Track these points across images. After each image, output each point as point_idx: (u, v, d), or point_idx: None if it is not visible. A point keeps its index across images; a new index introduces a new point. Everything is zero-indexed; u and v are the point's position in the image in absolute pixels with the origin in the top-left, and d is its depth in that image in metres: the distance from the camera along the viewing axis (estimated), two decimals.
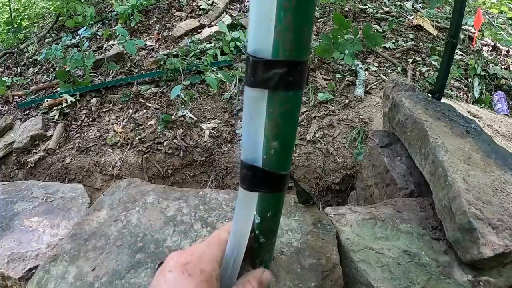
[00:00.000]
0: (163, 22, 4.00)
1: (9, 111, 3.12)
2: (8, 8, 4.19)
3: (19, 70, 3.76)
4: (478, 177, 1.15)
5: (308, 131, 2.71)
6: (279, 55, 0.37)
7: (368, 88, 3.01)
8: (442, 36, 3.75)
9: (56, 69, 3.49)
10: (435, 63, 3.31)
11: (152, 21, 4.03)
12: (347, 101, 2.91)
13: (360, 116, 2.76)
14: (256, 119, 0.42)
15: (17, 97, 3.27)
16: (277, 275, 1.00)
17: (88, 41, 3.64)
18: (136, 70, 3.38)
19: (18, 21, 4.24)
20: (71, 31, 4.08)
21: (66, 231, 1.24)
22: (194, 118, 2.83)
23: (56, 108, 2.98)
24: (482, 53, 3.50)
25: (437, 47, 3.48)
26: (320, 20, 3.91)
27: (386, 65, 3.34)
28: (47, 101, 3.02)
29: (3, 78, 3.46)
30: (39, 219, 1.29)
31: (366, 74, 3.14)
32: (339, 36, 2.81)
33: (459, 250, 1.06)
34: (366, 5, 4.16)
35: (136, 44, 3.29)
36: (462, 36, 3.63)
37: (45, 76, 3.56)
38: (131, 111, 2.94)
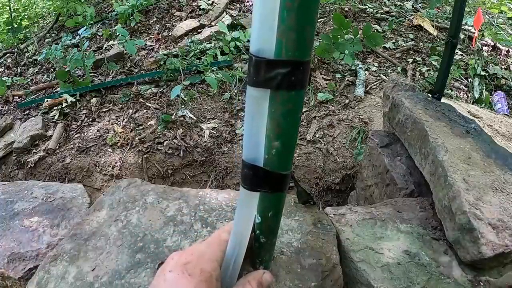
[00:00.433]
0: (163, 22, 4.00)
1: (9, 111, 3.12)
2: (8, 8, 4.19)
3: (19, 70, 3.76)
4: (478, 177, 1.15)
5: (308, 131, 2.71)
6: (281, 55, 0.37)
7: (368, 88, 3.01)
8: (442, 36, 3.75)
9: (56, 69, 3.49)
10: (435, 63, 3.31)
11: (152, 21, 4.03)
12: (347, 101, 2.91)
13: (360, 116, 2.76)
14: (258, 118, 0.42)
15: (17, 97, 3.27)
16: (277, 275, 1.00)
17: (88, 41, 3.64)
18: (136, 70, 3.38)
19: (18, 21, 4.24)
20: (71, 31, 4.08)
21: (66, 231, 1.24)
22: (194, 118, 2.83)
23: (56, 108, 2.98)
24: (482, 53, 3.50)
25: (437, 47, 3.48)
26: (320, 20, 3.91)
27: (386, 65, 3.34)
28: (47, 101, 3.02)
29: (3, 78, 3.46)
30: (39, 219, 1.29)
31: (366, 74, 3.14)
32: (339, 36, 2.81)
33: (459, 250, 1.06)
34: (366, 5, 4.16)
35: (136, 44, 3.29)
36: (462, 36, 3.63)
37: (45, 76, 3.56)
38: (131, 111, 2.94)
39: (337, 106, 2.88)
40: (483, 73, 3.24)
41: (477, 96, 3.07)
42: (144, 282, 0.98)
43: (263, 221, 0.50)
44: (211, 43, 3.53)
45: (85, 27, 3.55)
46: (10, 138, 2.82)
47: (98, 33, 3.94)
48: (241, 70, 3.16)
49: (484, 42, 3.66)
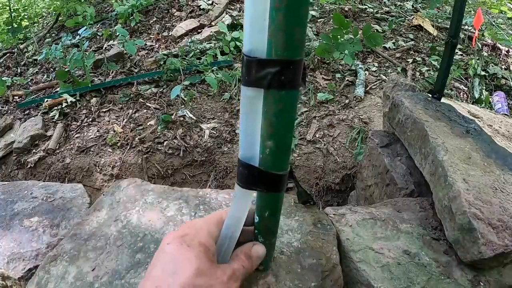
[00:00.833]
0: (163, 22, 4.00)
1: (9, 111, 3.12)
2: (8, 8, 4.19)
3: (19, 70, 3.76)
4: (478, 177, 1.16)
5: (308, 131, 2.71)
6: (272, 55, 0.38)
7: (368, 88, 3.01)
8: (442, 36, 3.74)
9: (56, 69, 3.49)
10: (435, 63, 3.31)
11: (152, 21, 4.03)
12: (347, 101, 2.91)
13: (360, 116, 2.76)
14: (252, 118, 0.42)
15: (17, 97, 3.27)
16: (277, 275, 1.00)
17: (88, 41, 3.64)
18: (136, 70, 3.38)
19: (18, 21, 4.23)
20: (71, 31, 4.08)
21: (66, 231, 1.24)
22: (194, 118, 2.83)
23: (56, 108, 2.98)
24: (482, 53, 3.50)
25: (437, 47, 3.48)
26: (320, 20, 3.91)
27: (386, 65, 3.34)
28: (47, 101, 3.02)
29: (3, 78, 3.45)
30: (39, 219, 1.29)
31: (366, 74, 3.14)
32: (339, 36, 2.81)
33: (459, 250, 1.06)
34: (366, 5, 4.16)
35: (136, 44, 3.29)
36: (462, 36, 3.63)
37: (45, 76, 3.56)
38: (131, 111, 2.94)
39: (337, 106, 2.88)
40: (483, 73, 3.24)
41: (477, 96, 3.07)
42: None
43: (260, 220, 0.50)
44: (211, 43, 3.53)
45: (85, 27, 3.55)
46: (10, 138, 2.82)
47: (98, 33, 3.94)
48: (241, 70, 3.16)
49: (484, 42, 3.66)
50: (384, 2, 4.34)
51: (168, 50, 3.51)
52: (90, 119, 2.90)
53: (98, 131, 2.80)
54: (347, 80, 3.07)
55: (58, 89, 3.22)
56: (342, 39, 2.83)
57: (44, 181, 1.62)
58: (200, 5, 4.10)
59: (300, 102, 2.95)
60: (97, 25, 4.09)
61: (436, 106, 1.53)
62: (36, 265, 1.13)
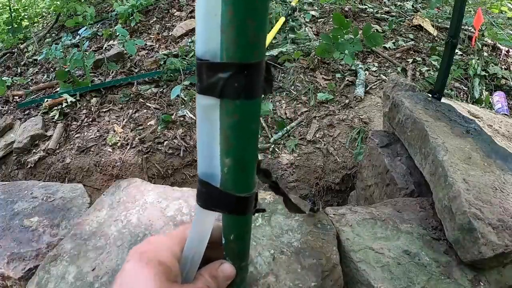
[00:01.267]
0: (163, 22, 4.00)
1: (9, 111, 3.12)
2: (8, 8, 4.19)
3: (19, 70, 3.76)
4: (478, 177, 1.16)
5: (308, 131, 2.71)
6: (223, 57, 0.32)
7: (368, 88, 3.01)
8: (442, 36, 3.75)
9: (56, 69, 3.49)
10: (435, 63, 3.31)
11: (152, 21, 4.03)
12: (347, 101, 2.91)
13: (360, 116, 2.76)
14: (209, 130, 0.37)
15: (17, 97, 3.27)
16: (277, 275, 1.00)
17: (88, 41, 3.64)
18: (136, 70, 3.38)
19: (18, 21, 4.24)
20: (71, 31, 4.08)
21: (66, 231, 1.24)
22: (194, 118, 2.83)
23: (56, 108, 2.98)
24: (482, 53, 3.50)
25: (437, 47, 3.48)
26: (320, 20, 3.91)
27: (386, 65, 3.34)
28: (47, 101, 3.02)
29: (3, 78, 3.45)
30: (39, 219, 1.29)
31: (366, 74, 3.14)
32: (339, 36, 2.81)
33: (459, 250, 1.06)
34: (366, 5, 4.16)
35: (136, 44, 3.29)
36: (462, 36, 3.63)
37: (45, 76, 3.56)
38: (131, 111, 2.94)
39: (337, 106, 2.88)
40: (483, 73, 3.24)
41: (477, 96, 3.07)
42: None
43: (226, 243, 0.45)
44: None
45: (85, 27, 3.55)
46: (10, 138, 2.82)
47: (98, 33, 3.94)
48: None
49: (484, 42, 3.66)
50: (384, 2, 4.34)
51: (168, 50, 3.51)
52: (90, 119, 2.90)
53: (98, 131, 2.80)
54: (347, 80, 3.07)
55: (58, 89, 3.22)
56: (342, 39, 2.83)
57: (44, 181, 1.62)
58: None
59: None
60: (97, 25, 4.09)
61: (436, 106, 1.53)
62: (36, 265, 1.13)
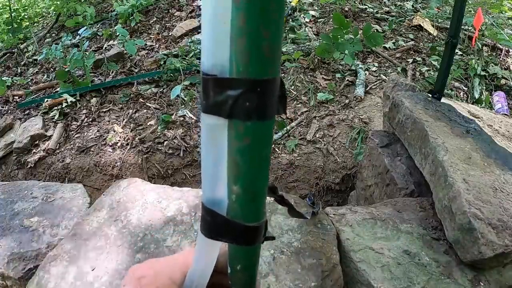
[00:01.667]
0: (163, 22, 4.00)
1: (9, 111, 3.12)
2: (8, 8, 4.19)
3: (19, 70, 3.76)
4: (478, 177, 1.15)
5: (308, 131, 2.71)
6: (233, 72, 0.29)
7: (368, 88, 3.01)
8: (442, 36, 3.75)
9: (56, 69, 3.49)
10: (435, 63, 3.31)
11: (152, 21, 4.03)
12: (347, 101, 2.91)
13: (360, 116, 2.76)
14: (216, 153, 0.34)
15: (17, 97, 3.27)
16: (277, 275, 1.01)
17: (88, 41, 3.64)
18: (136, 70, 3.39)
19: (18, 21, 4.24)
20: (71, 31, 4.08)
21: (66, 231, 1.24)
22: (194, 118, 2.83)
23: (56, 108, 2.98)
24: (482, 53, 3.50)
25: (437, 47, 3.48)
26: (320, 20, 3.91)
27: (386, 65, 3.34)
28: (47, 101, 3.02)
29: (3, 78, 3.46)
30: (39, 219, 1.29)
31: (366, 74, 3.14)
32: (339, 36, 2.82)
33: (459, 250, 1.06)
34: (366, 5, 4.16)
35: (136, 44, 3.29)
36: (462, 36, 3.63)
37: (45, 76, 3.57)
38: (131, 111, 2.94)
39: (337, 106, 2.88)
40: (483, 73, 3.24)
41: (477, 96, 3.07)
42: None
43: (232, 272, 0.42)
44: None
45: (85, 27, 3.55)
46: (10, 138, 2.82)
47: (98, 33, 3.94)
48: None
49: (484, 42, 3.66)
50: (384, 2, 4.34)
51: (168, 50, 3.51)
52: (90, 119, 2.90)
53: (98, 131, 2.81)
54: (347, 80, 3.07)
55: (58, 89, 3.22)
56: (342, 39, 2.83)
57: (44, 181, 1.62)
58: (200, 5, 4.10)
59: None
60: (97, 25, 4.09)
61: (436, 106, 1.53)
62: (36, 265, 1.13)
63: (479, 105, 2.71)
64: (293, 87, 3.04)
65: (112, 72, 3.36)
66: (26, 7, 4.93)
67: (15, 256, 1.16)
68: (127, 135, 2.72)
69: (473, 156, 1.25)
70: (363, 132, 2.62)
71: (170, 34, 3.78)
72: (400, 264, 1.07)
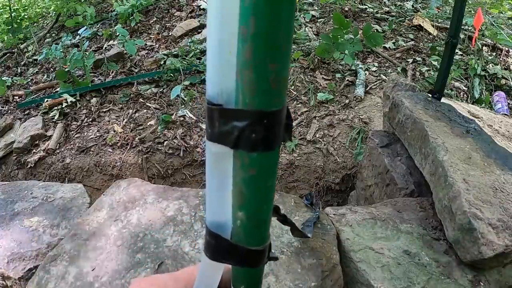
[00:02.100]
0: (163, 22, 4.00)
1: (9, 111, 3.12)
2: (8, 8, 4.19)
3: (19, 70, 3.76)
4: (478, 177, 1.15)
5: (308, 131, 2.71)
6: (239, 103, 0.28)
7: (368, 88, 3.01)
8: (442, 36, 3.75)
9: (56, 69, 3.49)
10: (435, 63, 3.31)
11: (152, 21, 4.03)
12: (347, 101, 2.91)
13: (360, 116, 2.76)
14: (221, 179, 0.34)
15: (17, 97, 3.27)
16: (277, 275, 1.01)
17: (88, 41, 3.64)
18: (136, 70, 3.39)
19: (18, 21, 4.24)
20: (71, 31, 4.08)
21: (66, 231, 1.24)
22: (194, 118, 2.83)
23: (56, 108, 2.98)
24: (482, 53, 3.50)
25: (437, 47, 3.48)
26: (320, 20, 3.91)
27: (386, 65, 3.34)
28: (47, 101, 3.02)
29: (3, 78, 3.46)
30: (39, 219, 1.29)
31: (366, 74, 3.14)
32: (339, 36, 2.82)
33: (459, 250, 1.06)
34: (366, 5, 4.16)
35: (136, 44, 3.29)
36: (462, 36, 3.63)
37: (45, 76, 3.57)
38: (131, 111, 2.94)
39: (337, 106, 2.88)
40: (483, 73, 3.24)
41: (477, 96, 3.07)
42: None
43: None
44: None
45: (85, 27, 3.55)
46: (10, 138, 2.82)
47: (98, 33, 3.94)
48: None
49: (484, 42, 3.66)
50: (384, 2, 4.34)
51: (168, 50, 3.51)
52: (90, 119, 2.90)
53: (98, 131, 2.81)
54: (347, 80, 3.07)
55: (58, 89, 3.22)
56: (342, 39, 2.83)
57: (44, 181, 1.62)
58: (200, 5, 4.10)
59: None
60: (97, 25, 4.09)
61: (436, 106, 1.53)
62: (36, 265, 1.13)
63: (479, 105, 2.71)
64: (293, 87, 3.04)
65: (112, 72, 3.37)
66: (26, 7, 4.93)
67: (15, 256, 1.16)
68: (127, 135, 2.72)
69: (473, 156, 1.25)
70: (363, 132, 2.62)
71: (170, 34, 3.78)
72: (400, 264, 1.07)
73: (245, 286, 0.41)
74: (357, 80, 3.03)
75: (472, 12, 3.93)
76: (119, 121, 2.87)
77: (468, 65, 3.30)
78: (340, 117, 2.78)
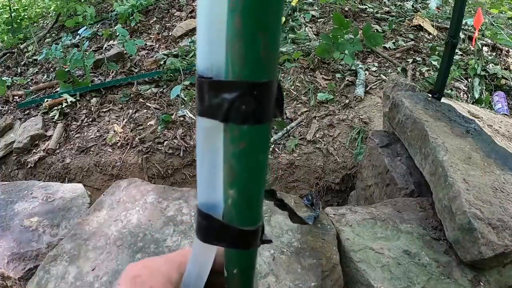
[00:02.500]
0: (163, 22, 4.00)
1: (9, 111, 3.12)
2: (8, 8, 4.19)
3: (19, 70, 3.76)
4: (478, 177, 1.15)
5: (308, 131, 2.71)
6: (229, 75, 0.28)
7: (368, 88, 3.01)
8: (442, 36, 3.75)
9: (56, 69, 3.49)
10: (435, 63, 3.31)
11: (152, 21, 4.03)
12: (347, 101, 2.91)
13: (360, 116, 2.76)
14: (211, 156, 0.33)
15: (17, 97, 3.27)
16: (277, 275, 1.01)
17: (88, 41, 3.64)
18: (136, 70, 3.39)
19: (18, 21, 4.24)
20: (71, 31, 4.08)
21: (66, 231, 1.24)
22: (194, 118, 2.83)
23: (56, 108, 2.98)
24: (482, 53, 3.50)
25: (437, 47, 3.48)
26: (320, 20, 3.91)
27: (386, 65, 3.34)
28: (47, 101, 3.02)
29: (3, 78, 3.46)
30: (39, 219, 1.29)
31: (366, 74, 3.14)
32: (339, 36, 2.82)
33: (459, 250, 1.06)
34: (366, 5, 4.16)
35: (136, 44, 3.29)
36: (462, 36, 3.63)
37: (45, 76, 3.57)
38: (131, 111, 2.94)
39: (337, 106, 2.88)
40: (483, 73, 3.24)
41: (477, 96, 3.07)
42: None
43: (229, 276, 0.42)
44: None
45: (85, 27, 3.55)
46: (10, 138, 2.82)
47: (98, 33, 3.94)
48: None
49: (484, 42, 3.66)
50: (384, 2, 4.34)
51: (168, 50, 3.51)
52: (90, 119, 2.90)
53: (98, 131, 2.81)
54: (347, 80, 3.07)
55: (58, 89, 3.22)
56: (342, 39, 2.83)
57: (44, 181, 1.62)
58: None
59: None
60: (97, 25, 4.09)
61: (436, 106, 1.53)
62: (36, 265, 1.13)
63: (479, 105, 2.71)
64: (293, 87, 3.04)
65: (112, 72, 3.37)
66: (26, 7, 4.93)
67: (15, 256, 1.16)
68: (127, 135, 2.72)
69: (473, 156, 1.25)
70: (363, 132, 2.62)
71: (170, 34, 3.78)
72: (400, 264, 1.07)
73: (238, 270, 0.40)
74: (357, 80, 3.03)
75: (472, 12, 3.93)
76: (119, 121, 2.87)
77: (468, 65, 3.30)
78: (340, 117, 2.78)
